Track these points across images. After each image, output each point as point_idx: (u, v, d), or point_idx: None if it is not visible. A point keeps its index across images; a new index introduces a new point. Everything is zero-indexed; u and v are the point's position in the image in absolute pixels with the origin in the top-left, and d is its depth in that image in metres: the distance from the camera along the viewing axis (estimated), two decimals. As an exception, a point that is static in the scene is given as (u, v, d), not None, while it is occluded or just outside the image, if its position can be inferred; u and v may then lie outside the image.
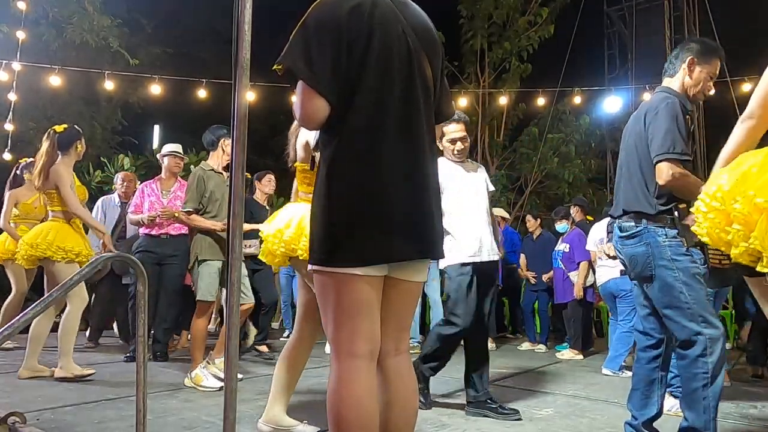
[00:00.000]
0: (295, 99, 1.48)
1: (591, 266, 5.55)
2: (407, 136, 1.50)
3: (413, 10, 1.60)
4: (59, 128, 3.84)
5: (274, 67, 1.48)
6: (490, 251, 3.15)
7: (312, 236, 1.51)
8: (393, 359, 1.55)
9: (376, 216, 1.44)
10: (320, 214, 1.48)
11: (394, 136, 1.47)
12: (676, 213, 2.33)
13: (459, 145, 3.19)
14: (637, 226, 2.40)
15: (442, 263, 3.16)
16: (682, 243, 2.31)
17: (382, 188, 1.45)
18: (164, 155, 4.95)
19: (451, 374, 4.26)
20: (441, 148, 3.21)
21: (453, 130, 3.17)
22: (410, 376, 1.58)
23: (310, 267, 1.51)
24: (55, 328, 3.77)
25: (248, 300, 3.83)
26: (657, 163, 2.30)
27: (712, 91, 2.60)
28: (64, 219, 3.80)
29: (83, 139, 3.94)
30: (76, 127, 3.96)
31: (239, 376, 3.78)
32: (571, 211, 6.15)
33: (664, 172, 2.27)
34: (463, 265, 3.08)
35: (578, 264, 5.58)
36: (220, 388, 3.39)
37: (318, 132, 1.55)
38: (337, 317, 1.46)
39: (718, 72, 2.54)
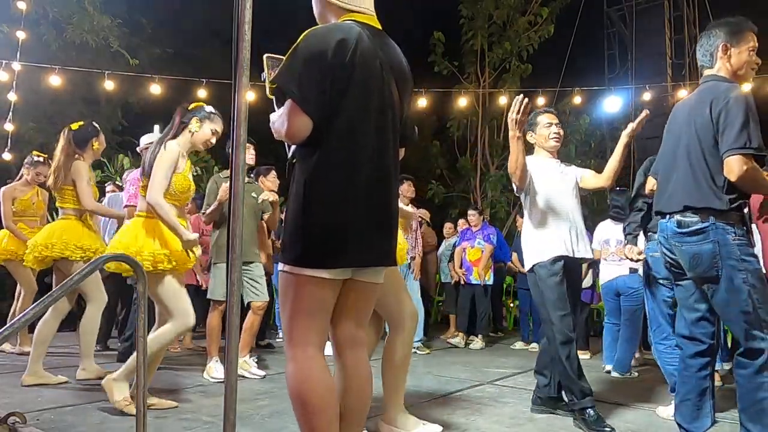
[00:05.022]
0: (277, 115, 1.67)
1: (590, 267, 5.58)
2: (378, 156, 1.69)
3: (391, 48, 1.81)
4: (75, 125, 3.72)
5: (269, 85, 1.69)
6: (577, 248, 3.06)
7: (285, 237, 1.69)
8: (351, 351, 1.77)
9: (346, 224, 1.62)
10: (294, 218, 1.65)
11: (366, 155, 1.66)
12: (746, 210, 2.22)
13: (555, 129, 3.17)
14: (702, 223, 2.24)
15: (530, 261, 3.06)
16: (750, 243, 2.20)
17: (353, 200, 1.63)
18: (145, 148, 4.67)
19: (451, 374, 4.26)
20: (533, 142, 3.23)
21: (548, 117, 3.20)
22: (365, 367, 1.78)
23: (280, 266, 1.69)
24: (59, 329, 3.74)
25: (261, 298, 4.19)
26: (728, 157, 2.17)
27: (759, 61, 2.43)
28: (75, 216, 3.71)
29: (101, 136, 3.79)
30: (94, 123, 3.83)
31: (261, 373, 4.05)
32: None
33: (736, 167, 2.14)
34: (555, 261, 2.98)
35: None
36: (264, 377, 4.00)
37: (294, 145, 1.73)
38: (295, 313, 1.66)
39: (757, 43, 2.40)
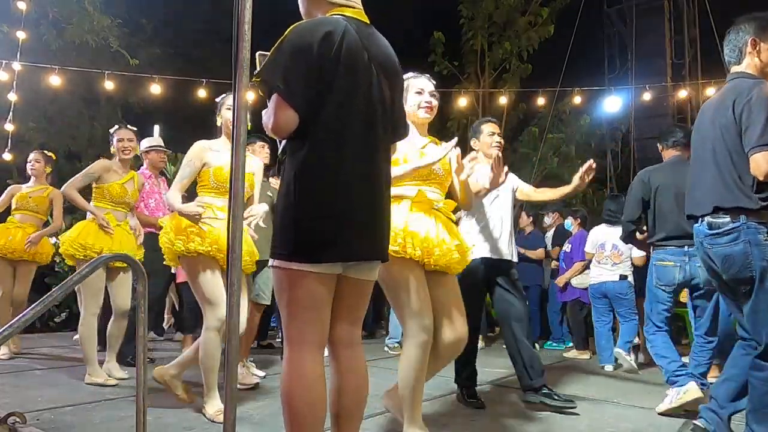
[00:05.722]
0: (266, 109, 1.64)
1: (586, 269, 5.62)
2: (366, 149, 1.67)
3: (378, 40, 1.78)
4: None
5: (253, 79, 1.62)
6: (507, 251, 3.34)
7: (275, 233, 1.66)
8: (347, 350, 1.75)
9: (333, 218, 1.60)
10: (284, 213, 1.63)
11: (354, 149, 1.64)
12: None
13: (497, 138, 3.44)
14: (733, 222, 2.17)
15: None
16: None
17: (341, 194, 1.61)
18: (147, 150, 4.76)
19: (451, 374, 4.26)
20: (476, 149, 3.47)
21: (491, 127, 3.47)
22: (362, 367, 1.77)
23: (271, 262, 1.67)
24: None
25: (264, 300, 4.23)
26: (753, 155, 2.11)
27: None
28: (96, 216, 3.72)
29: (115, 139, 3.91)
30: (110, 130, 4.01)
31: (261, 373, 4.03)
32: (571, 221, 6.21)
33: (764, 164, 2.08)
34: (479, 262, 3.21)
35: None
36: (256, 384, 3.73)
37: (284, 141, 1.70)
38: (290, 309, 1.64)
39: None
